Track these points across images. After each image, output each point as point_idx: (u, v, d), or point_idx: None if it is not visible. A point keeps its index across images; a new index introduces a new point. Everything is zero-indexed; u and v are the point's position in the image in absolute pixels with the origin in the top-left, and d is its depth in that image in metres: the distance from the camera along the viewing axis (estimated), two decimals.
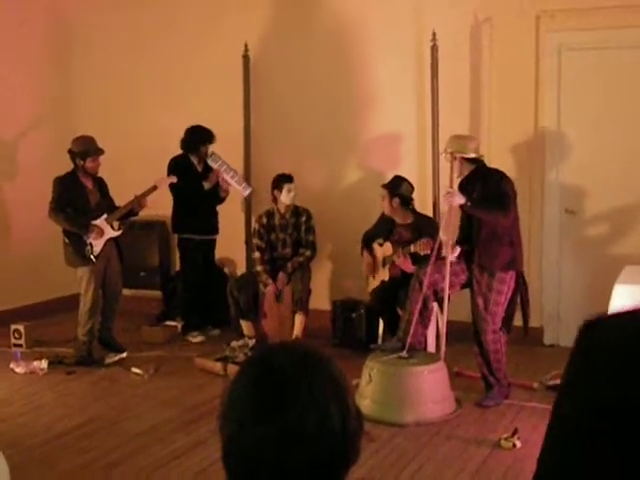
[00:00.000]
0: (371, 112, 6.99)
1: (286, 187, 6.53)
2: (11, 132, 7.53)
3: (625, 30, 6.05)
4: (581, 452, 1.31)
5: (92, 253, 6.05)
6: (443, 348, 5.33)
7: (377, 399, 4.96)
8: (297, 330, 6.42)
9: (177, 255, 7.34)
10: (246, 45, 7.14)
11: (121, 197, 6.30)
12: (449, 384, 5.13)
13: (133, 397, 5.51)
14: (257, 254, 6.65)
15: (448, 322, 5.31)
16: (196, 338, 6.87)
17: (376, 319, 6.30)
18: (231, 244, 7.24)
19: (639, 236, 6.23)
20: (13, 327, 6.66)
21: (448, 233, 5.13)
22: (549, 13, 6.27)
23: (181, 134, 6.84)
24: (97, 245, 6.08)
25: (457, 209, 5.16)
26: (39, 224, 6.79)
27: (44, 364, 6.01)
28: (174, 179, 6.58)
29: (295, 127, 7.27)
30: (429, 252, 5.36)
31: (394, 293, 5.92)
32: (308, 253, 6.61)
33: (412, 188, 6.17)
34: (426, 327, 5.34)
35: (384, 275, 6.16)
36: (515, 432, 4.52)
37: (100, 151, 6.13)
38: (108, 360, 6.20)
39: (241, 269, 7.33)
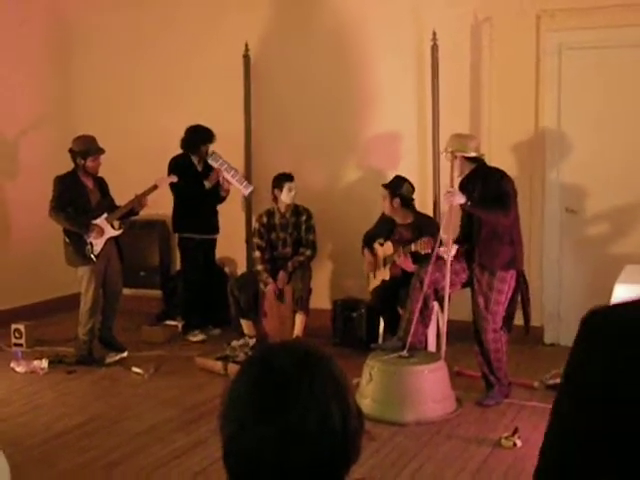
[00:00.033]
0: (371, 112, 6.99)
1: (286, 186, 6.53)
2: (12, 131, 7.54)
3: (625, 29, 6.04)
4: (578, 448, 1.32)
5: (92, 252, 6.05)
6: (444, 347, 5.33)
7: (378, 398, 4.96)
8: (297, 329, 6.42)
9: (177, 254, 7.34)
10: (247, 45, 7.14)
11: (121, 196, 6.30)
12: (449, 383, 5.13)
13: (133, 396, 5.51)
14: (257, 253, 6.66)
15: (449, 321, 5.31)
16: (196, 337, 6.87)
17: (377, 318, 6.30)
18: (232, 243, 7.25)
19: (639, 235, 6.23)
20: (14, 326, 6.67)
21: (449, 232, 5.13)
22: (549, 12, 6.27)
23: (181, 134, 6.84)
24: (97, 244, 6.08)
25: (457, 208, 5.16)
26: (40, 223, 6.79)
27: (44, 363, 6.02)
28: (174, 178, 6.58)
29: (295, 126, 7.27)
30: (430, 251, 5.36)
31: (395, 292, 5.92)
32: (308, 252, 6.61)
33: (413, 188, 6.16)
34: (427, 326, 5.34)
35: (385, 274, 6.16)
36: (516, 431, 4.52)
37: (101, 150, 6.13)
38: (108, 359, 6.20)
39: (241, 268, 7.34)
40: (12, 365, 6.05)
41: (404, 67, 6.79)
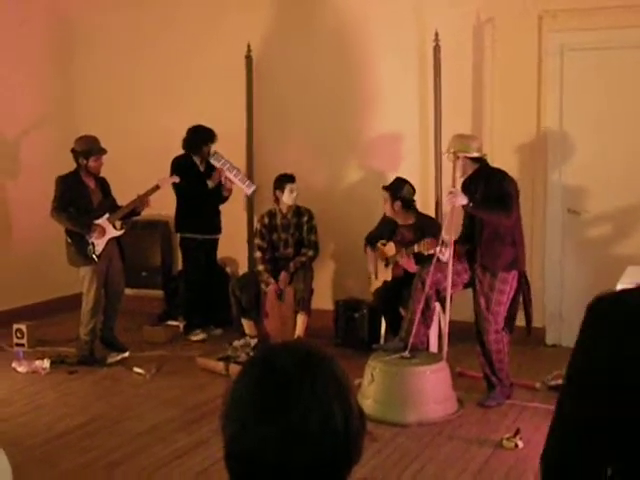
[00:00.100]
0: (373, 112, 6.99)
1: (288, 187, 6.53)
2: (13, 131, 7.54)
3: (627, 30, 6.04)
4: (581, 435, 1.32)
5: (94, 252, 6.06)
6: (445, 348, 5.33)
7: (379, 399, 4.96)
8: (299, 330, 6.41)
9: (179, 255, 7.34)
10: (249, 45, 7.14)
11: (123, 197, 6.30)
12: (451, 384, 5.13)
13: (135, 397, 5.51)
14: (258, 254, 6.66)
15: (450, 322, 5.31)
16: (197, 336, 6.87)
17: (378, 319, 6.29)
18: (233, 243, 7.25)
19: None
20: (15, 326, 6.67)
21: (451, 233, 5.13)
22: (551, 13, 6.26)
23: (183, 134, 6.84)
24: (99, 244, 6.08)
25: (459, 209, 5.16)
26: (41, 223, 6.79)
27: (46, 363, 6.02)
28: (176, 179, 6.58)
29: (297, 126, 7.27)
30: (433, 252, 5.36)
31: (397, 293, 5.92)
32: (310, 253, 6.61)
33: (413, 190, 6.15)
34: (428, 327, 5.34)
35: (387, 275, 6.16)
36: (517, 432, 4.52)
37: (103, 151, 6.13)
38: (110, 359, 6.20)
39: (243, 268, 7.33)
40: (14, 365, 6.05)
41: (406, 67, 6.79)
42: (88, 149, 6.07)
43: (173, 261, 7.83)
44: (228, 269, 7.39)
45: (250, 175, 7.12)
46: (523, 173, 6.24)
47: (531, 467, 4.16)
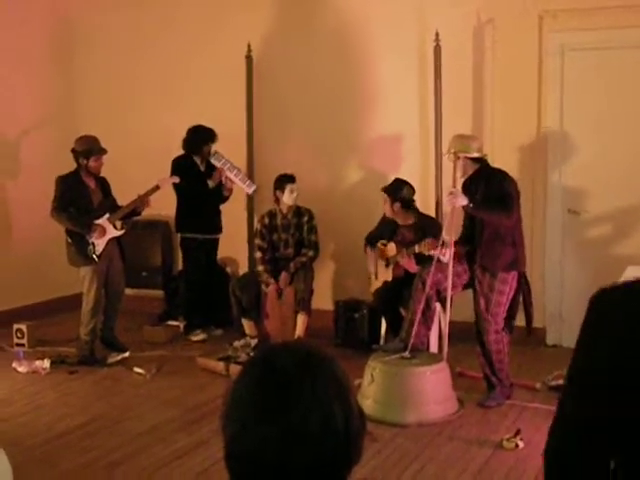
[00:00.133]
0: (374, 112, 6.99)
1: (288, 188, 6.53)
2: (13, 131, 7.54)
3: (627, 30, 6.04)
4: (579, 447, 1.32)
5: (94, 252, 6.06)
6: (445, 348, 5.32)
7: (379, 399, 4.96)
8: (299, 330, 6.41)
9: (179, 255, 7.34)
10: (249, 45, 7.14)
11: (123, 197, 6.30)
12: (451, 384, 5.13)
13: (135, 397, 5.51)
14: (258, 254, 6.66)
15: (450, 322, 5.31)
16: (198, 336, 6.87)
17: (379, 319, 6.29)
18: (233, 243, 7.24)
19: None
20: (16, 326, 6.67)
21: (451, 233, 5.13)
22: (551, 13, 6.26)
23: (183, 134, 6.84)
24: (99, 245, 6.08)
25: (460, 209, 5.16)
26: (41, 223, 6.79)
27: (46, 363, 6.02)
28: (177, 179, 6.59)
29: (297, 126, 7.27)
30: (434, 252, 5.36)
31: (397, 293, 5.92)
32: (311, 253, 6.60)
33: (413, 190, 6.14)
34: (429, 327, 5.34)
35: (387, 275, 6.16)
36: (517, 432, 4.52)
37: (103, 151, 6.13)
38: (110, 360, 6.20)
39: (243, 268, 7.33)
40: (14, 365, 6.05)
41: (406, 67, 6.79)
42: (88, 149, 6.07)
43: (173, 261, 7.83)
44: (228, 269, 7.38)
45: (250, 175, 7.12)
46: (523, 173, 6.24)
47: (531, 467, 4.16)
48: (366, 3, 6.89)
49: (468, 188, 5.12)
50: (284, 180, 6.55)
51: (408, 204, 6.09)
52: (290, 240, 6.64)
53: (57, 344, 6.62)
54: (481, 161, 5.19)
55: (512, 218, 5.03)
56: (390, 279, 6.13)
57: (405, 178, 6.21)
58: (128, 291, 6.72)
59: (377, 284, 6.25)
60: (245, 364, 1.37)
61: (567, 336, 6.31)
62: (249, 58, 7.18)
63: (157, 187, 6.31)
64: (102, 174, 6.24)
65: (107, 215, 6.14)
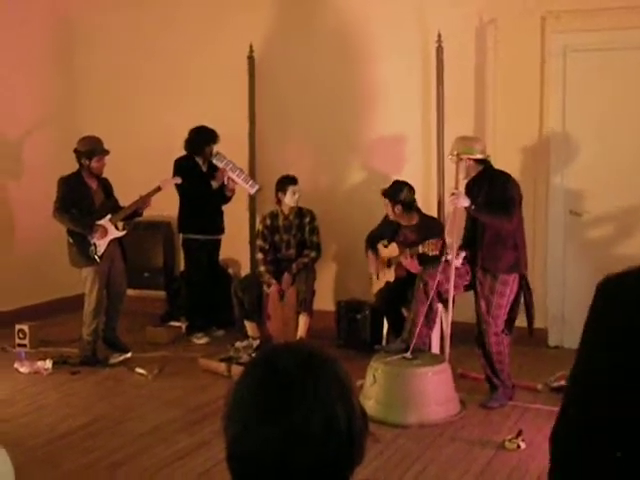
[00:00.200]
0: (376, 113, 6.99)
1: (290, 189, 6.52)
2: (15, 132, 7.54)
3: (630, 31, 6.03)
4: (580, 448, 1.31)
5: (96, 253, 6.06)
6: (447, 349, 5.32)
7: (381, 400, 4.96)
8: (301, 331, 6.41)
9: (181, 255, 7.34)
10: (251, 46, 7.14)
11: (125, 197, 6.30)
12: (453, 385, 5.12)
13: (137, 397, 5.52)
14: (260, 255, 6.65)
15: (452, 323, 5.30)
16: (200, 340, 6.87)
17: (381, 320, 6.29)
18: (235, 244, 7.24)
19: None
20: (18, 327, 6.67)
21: (453, 235, 5.13)
22: (554, 14, 6.26)
23: (185, 134, 6.84)
24: (101, 245, 6.08)
25: (462, 211, 5.16)
26: (43, 224, 6.80)
27: (48, 364, 6.02)
28: (178, 180, 6.59)
29: (299, 127, 7.27)
30: (437, 253, 5.36)
31: (399, 294, 5.91)
32: (313, 254, 6.60)
33: (413, 191, 6.11)
34: (431, 328, 5.33)
35: (389, 276, 6.15)
36: (519, 433, 4.52)
37: (106, 151, 6.14)
38: (112, 360, 6.21)
39: (245, 270, 7.32)
40: (16, 366, 6.05)
41: (408, 68, 6.79)
42: (91, 149, 6.08)
43: (175, 262, 7.83)
44: (230, 270, 7.38)
45: (252, 175, 7.11)
46: (525, 174, 6.23)
47: (534, 468, 4.16)
48: (368, 3, 6.89)
49: (471, 190, 5.12)
50: (286, 182, 6.55)
51: (409, 206, 6.08)
52: (292, 241, 6.64)
53: (59, 345, 6.62)
54: (484, 163, 5.19)
55: (513, 222, 5.03)
56: (392, 280, 6.12)
57: (407, 179, 6.20)
58: (130, 292, 6.72)
59: (379, 285, 6.24)
60: (247, 365, 1.36)
61: (569, 337, 6.31)
62: (251, 58, 7.18)
63: (159, 188, 6.31)
64: (104, 175, 6.25)
65: (109, 216, 6.14)
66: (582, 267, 6.38)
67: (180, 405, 5.31)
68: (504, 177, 5.15)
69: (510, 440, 4.48)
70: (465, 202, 4.99)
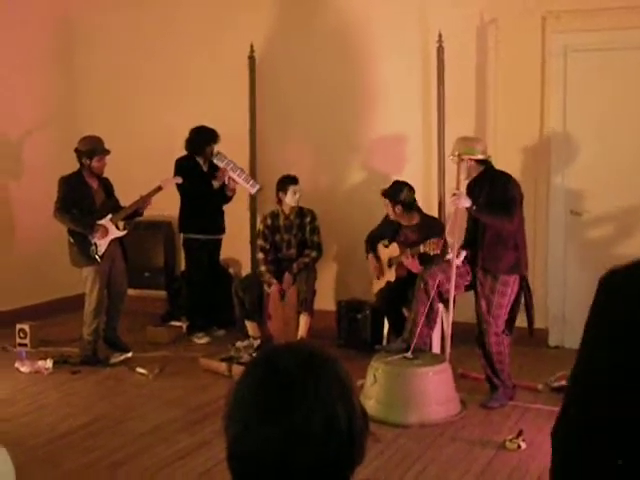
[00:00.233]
0: (376, 113, 6.99)
1: (291, 189, 6.53)
2: (16, 132, 7.55)
3: (631, 31, 6.03)
4: (580, 449, 1.32)
5: (97, 253, 6.06)
6: (448, 349, 5.32)
7: (381, 400, 4.96)
8: (302, 331, 6.41)
9: (182, 255, 7.34)
10: (252, 46, 7.14)
11: (126, 197, 6.30)
12: (454, 385, 5.12)
13: (138, 397, 5.52)
14: (261, 255, 6.65)
15: (453, 323, 5.30)
16: (201, 339, 6.87)
17: (381, 320, 6.29)
18: (236, 244, 7.24)
19: None
20: (18, 326, 6.68)
21: (454, 235, 5.13)
22: (555, 14, 6.26)
23: (186, 134, 6.84)
24: (102, 245, 6.08)
25: (463, 211, 5.16)
26: (44, 223, 6.80)
27: (49, 363, 6.02)
28: (179, 180, 6.60)
29: (300, 127, 7.27)
30: (439, 252, 5.36)
31: (400, 294, 5.91)
32: (314, 254, 6.60)
33: (413, 191, 6.11)
34: (431, 328, 5.33)
35: (390, 276, 6.15)
36: (520, 433, 4.52)
37: (107, 151, 6.14)
38: (113, 360, 6.21)
39: (246, 269, 7.33)
40: (17, 365, 6.06)
41: (409, 68, 6.79)
42: (92, 149, 6.08)
43: (176, 262, 7.83)
44: (231, 270, 7.38)
45: (253, 175, 7.11)
46: (526, 174, 6.23)
47: (534, 468, 4.16)
48: (368, 4, 6.89)
49: (472, 190, 5.12)
50: (287, 182, 6.55)
51: (410, 206, 6.08)
52: (292, 241, 6.64)
53: (60, 344, 6.63)
54: (485, 163, 5.19)
55: (514, 222, 5.02)
56: (393, 279, 6.12)
57: (407, 179, 6.20)
58: (131, 291, 6.72)
59: (379, 284, 6.24)
60: (248, 365, 1.36)
61: (569, 337, 6.31)
62: (252, 58, 7.18)
63: (160, 188, 6.32)
64: (105, 174, 6.25)
65: (110, 216, 6.15)
66: (583, 267, 6.38)
67: (181, 405, 5.31)
68: (505, 177, 5.15)
69: (511, 440, 4.48)
70: (466, 202, 4.99)
